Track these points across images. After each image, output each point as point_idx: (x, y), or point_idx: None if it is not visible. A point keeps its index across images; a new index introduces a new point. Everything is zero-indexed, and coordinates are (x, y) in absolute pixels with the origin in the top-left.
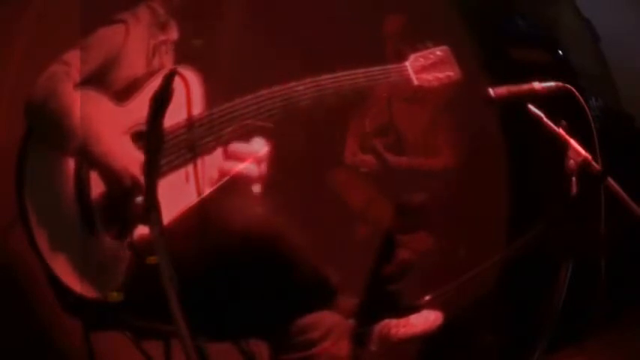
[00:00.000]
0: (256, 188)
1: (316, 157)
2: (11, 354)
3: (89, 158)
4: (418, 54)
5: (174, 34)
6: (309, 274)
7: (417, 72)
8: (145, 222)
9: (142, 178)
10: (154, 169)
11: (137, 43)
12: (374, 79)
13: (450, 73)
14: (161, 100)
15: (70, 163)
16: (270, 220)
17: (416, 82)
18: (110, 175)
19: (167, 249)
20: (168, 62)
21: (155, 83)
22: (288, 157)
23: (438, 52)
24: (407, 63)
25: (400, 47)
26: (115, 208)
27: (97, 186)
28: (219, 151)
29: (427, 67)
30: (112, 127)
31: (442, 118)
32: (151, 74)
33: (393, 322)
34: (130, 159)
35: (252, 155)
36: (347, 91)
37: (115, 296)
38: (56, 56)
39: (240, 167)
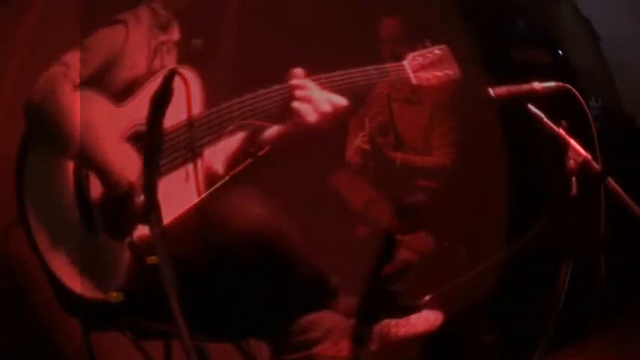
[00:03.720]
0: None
1: (317, 157)
2: (11, 354)
3: (87, 161)
4: (416, 53)
5: (175, 34)
6: (309, 275)
7: (415, 71)
8: (144, 222)
9: (139, 183)
10: (153, 169)
11: (137, 44)
12: (372, 78)
13: (449, 71)
14: (161, 100)
15: (70, 164)
16: (271, 220)
17: (414, 81)
18: (108, 179)
19: (167, 249)
20: (169, 63)
21: (155, 83)
22: (289, 157)
23: (437, 51)
24: (405, 62)
25: (397, 50)
26: (115, 209)
27: (96, 186)
28: (218, 152)
29: (426, 65)
30: (110, 130)
31: (440, 118)
32: (151, 74)
33: (393, 321)
34: (128, 163)
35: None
36: (344, 90)
37: (115, 296)
38: (56, 57)
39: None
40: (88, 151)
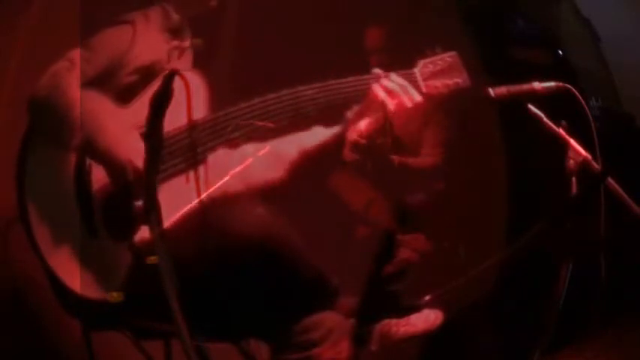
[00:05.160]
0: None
1: (316, 157)
2: (11, 354)
3: (93, 151)
4: (427, 60)
5: (188, 40)
6: (309, 275)
7: (425, 79)
8: (145, 223)
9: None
10: (153, 170)
11: (145, 45)
12: None
13: (458, 80)
14: (160, 100)
15: (71, 163)
16: (271, 220)
17: (424, 90)
18: (114, 167)
19: (167, 249)
20: (180, 66)
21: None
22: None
23: (447, 58)
24: (415, 69)
25: (384, 60)
26: (116, 208)
27: (98, 185)
28: (219, 154)
29: (436, 73)
30: (115, 124)
31: (436, 117)
32: (155, 77)
33: (394, 321)
34: (135, 152)
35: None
36: (354, 97)
37: (115, 296)
38: (58, 55)
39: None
40: (93, 143)
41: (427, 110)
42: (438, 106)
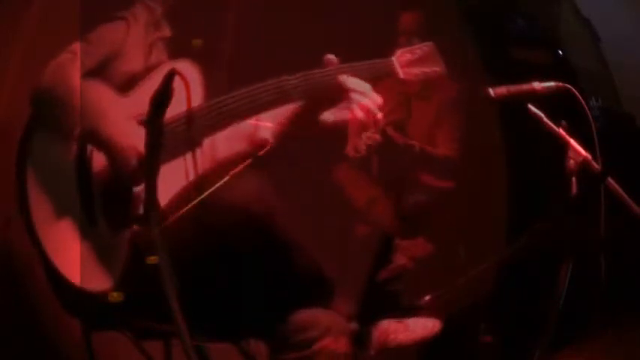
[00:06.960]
0: None
1: (318, 152)
2: (11, 354)
3: (96, 138)
4: (404, 49)
5: (167, 31)
6: (307, 270)
7: (403, 66)
8: (144, 223)
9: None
10: (153, 170)
11: (136, 40)
12: (362, 74)
13: (436, 68)
14: (160, 100)
15: (73, 152)
16: (270, 215)
17: (402, 76)
18: (117, 153)
19: (167, 249)
20: (164, 58)
21: (153, 80)
22: (289, 152)
23: (425, 48)
24: (393, 57)
25: (412, 43)
26: (116, 196)
27: (98, 174)
28: (217, 146)
29: (414, 61)
30: (117, 113)
31: (446, 115)
32: (149, 70)
33: (392, 327)
34: (138, 138)
35: None
36: (334, 84)
37: (115, 296)
38: (57, 53)
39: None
40: (97, 130)
41: (438, 107)
42: (449, 104)
